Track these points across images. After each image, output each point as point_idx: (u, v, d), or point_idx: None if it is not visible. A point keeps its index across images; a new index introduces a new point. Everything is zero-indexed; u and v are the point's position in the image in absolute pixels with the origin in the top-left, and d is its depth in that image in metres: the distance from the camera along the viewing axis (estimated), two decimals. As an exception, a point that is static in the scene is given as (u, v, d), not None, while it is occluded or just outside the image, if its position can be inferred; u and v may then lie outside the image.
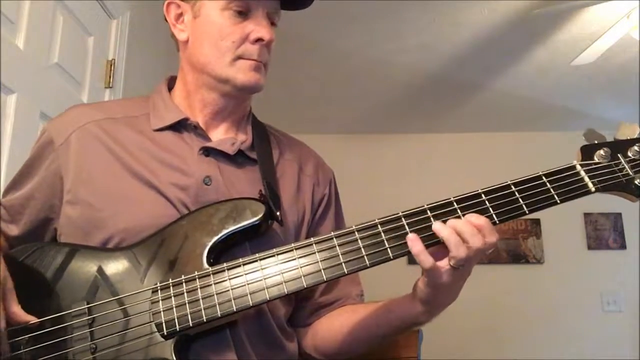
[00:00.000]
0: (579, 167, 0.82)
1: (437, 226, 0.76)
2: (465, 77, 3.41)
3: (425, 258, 0.75)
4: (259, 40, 0.88)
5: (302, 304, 0.97)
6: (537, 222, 4.07)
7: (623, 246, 4.05)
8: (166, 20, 0.98)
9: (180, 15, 0.93)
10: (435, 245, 0.76)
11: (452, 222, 0.76)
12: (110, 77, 1.95)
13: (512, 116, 4.02)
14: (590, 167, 0.82)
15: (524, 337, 3.86)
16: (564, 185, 0.80)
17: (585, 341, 3.82)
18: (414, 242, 0.76)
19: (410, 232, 0.77)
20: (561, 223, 4.02)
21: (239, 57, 0.89)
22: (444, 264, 0.75)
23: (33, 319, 0.75)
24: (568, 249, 4.06)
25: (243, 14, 0.89)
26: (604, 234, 4.09)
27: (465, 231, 0.75)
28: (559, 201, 0.80)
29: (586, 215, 4.10)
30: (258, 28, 0.88)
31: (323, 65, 3.25)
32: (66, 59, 1.69)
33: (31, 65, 1.51)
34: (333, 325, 0.94)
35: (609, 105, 3.76)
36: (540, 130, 4.14)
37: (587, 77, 3.34)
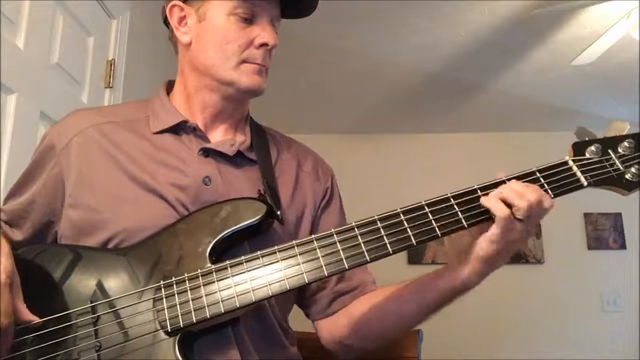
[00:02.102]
0: (571, 163, 0.84)
1: (495, 192, 0.79)
2: (465, 77, 3.41)
3: (502, 207, 0.77)
4: (263, 45, 0.91)
5: (318, 295, 0.97)
6: (537, 222, 4.08)
7: (623, 246, 4.05)
8: (165, 24, 0.99)
9: (183, 18, 0.94)
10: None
11: (502, 186, 0.80)
12: (110, 77, 1.95)
13: (512, 116, 4.03)
14: (582, 163, 0.84)
15: (524, 337, 3.86)
16: (557, 180, 0.83)
17: (585, 341, 3.82)
18: (486, 198, 0.79)
19: (410, 227, 0.79)
20: (561, 223, 4.01)
21: (244, 61, 0.91)
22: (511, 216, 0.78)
23: (36, 319, 0.76)
24: (568, 249, 4.06)
25: (248, 19, 0.91)
26: (604, 234, 4.09)
27: (519, 189, 0.78)
28: (552, 195, 0.81)
29: (586, 215, 4.10)
30: (263, 33, 0.91)
31: (323, 65, 3.25)
32: (66, 59, 1.69)
33: (31, 65, 1.51)
34: (375, 307, 0.93)
35: (609, 105, 3.76)
36: (540, 130, 4.14)
37: (587, 77, 3.34)
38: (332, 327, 0.97)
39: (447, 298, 0.86)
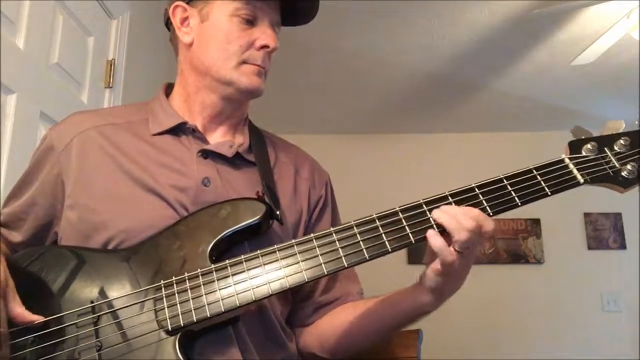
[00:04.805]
0: (567, 161, 0.85)
1: (436, 214, 0.78)
2: (465, 77, 3.41)
3: (448, 253, 0.76)
4: (264, 47, 0.92)
5: (302, 304, 0.98)
6: (537, 222, 4.08)
7: (623, 246, 4.05)
8: (166, 25, 1.00)
9: (186, 18, 0.96)
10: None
11: (446, 207, 0.79)
12: (110, 77, 1.95)
13: (512, 116, 4.03)
14: (579, 161, 0.85)
15: (524, 337, 3.86)
16: (554, 178, 0.83)
17: (585, 341, 3.82)
18: (434, 237, 0.77)
19: (408, 225, 0.79)
20: (561, 223, 4.02)
21: (244, 62, 0.92)
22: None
23: (39, 318, 0.76)
24: (568, 249, 4.06)
25: (250, 21, 0.92)
26: (604, 234, 4.09)
27: (461, 215, 0.77)
28: (549, 193, 0.82)
29: (586, 215, 4.10)
30: (264, 36, 0.92)
31: (323, 65, 3.25)
32: (66, 59, 1.69)
33: (31, 65, 1.51)
34: (336, 323, 0.95)
35: (609, 105, 3.77)
36: (540, 130, 4.14)
37: (587, 77, 3.34)
38: (306, 337, 0.99)
39: (407, 321, 0.89)
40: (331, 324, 0.96)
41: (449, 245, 0.77)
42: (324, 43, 2.98)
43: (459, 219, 0.76)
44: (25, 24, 1.47)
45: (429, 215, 0.79)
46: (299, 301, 0.98)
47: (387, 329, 0.91)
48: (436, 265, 0.78)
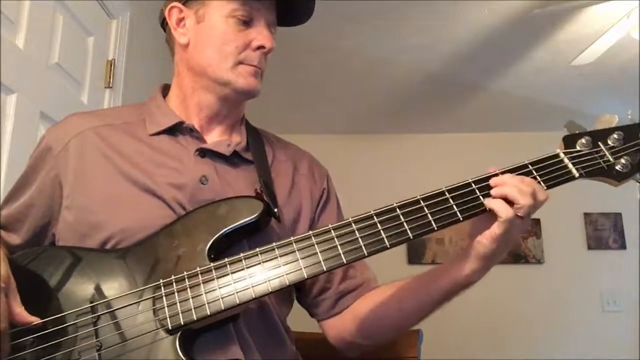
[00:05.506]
0: (562, 155, 0.86)
1: (495, 191, 0.79)
2: (465, 77, 3.41)
3: (506, 208, 0.77)
4: (260, 47, 0.92)
5: (322, 295, 0.98)
6: (537, 222, 4.07)
7: (623, 246, 4.05)
8: (162, 26, 1.00)
9: (182, 19, 0.96)
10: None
11: (500, 179, 0.80)
12: (110, 77, 1.95)
13: (512, 116, 4.02)
14: (573, 155, 0.86)
15: (524, 337, 3.86)
16: (549, 172, 0.84)
17: (585, 341, 3.82)
18: (502, 206, 0.78)
19: (406, 221, 0.80)
20: (561, 223, 4.01)
21: (240, 63, 0.92)
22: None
23: (37, 320, 0.76)
24: (568, 249, 4.06)
25: (246, 22, 0.92)
26: (604, 234, 4.08)
27: (521, 186, 0.79)
28: (545, 187, 0.83)
29: (586, 215, 4.10)
30: (260, 37, 0.93)
31: (323, 65, 3.25)
32: (66, 59, 1.69)
33: (31, 65, 1.52)
34: (376, 304, 0.94)
35: (609, 105, 3.76)
36: (540, 130, 4.14)
37: (587, 77, 3.34)
38: (338, 327, 0.98)
39: (450, 295, 0.87)
40: (370, 308, 0.94)
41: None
42: (324, 43, 2.97)
43: (519, 186, 0.78)
44: (25, 24, 1.48)
45: (427, 212, 0.80)
46: (317, 293, 0.98)
47: (432, 302, 0.88)
48: (494, 232, 0.78)
